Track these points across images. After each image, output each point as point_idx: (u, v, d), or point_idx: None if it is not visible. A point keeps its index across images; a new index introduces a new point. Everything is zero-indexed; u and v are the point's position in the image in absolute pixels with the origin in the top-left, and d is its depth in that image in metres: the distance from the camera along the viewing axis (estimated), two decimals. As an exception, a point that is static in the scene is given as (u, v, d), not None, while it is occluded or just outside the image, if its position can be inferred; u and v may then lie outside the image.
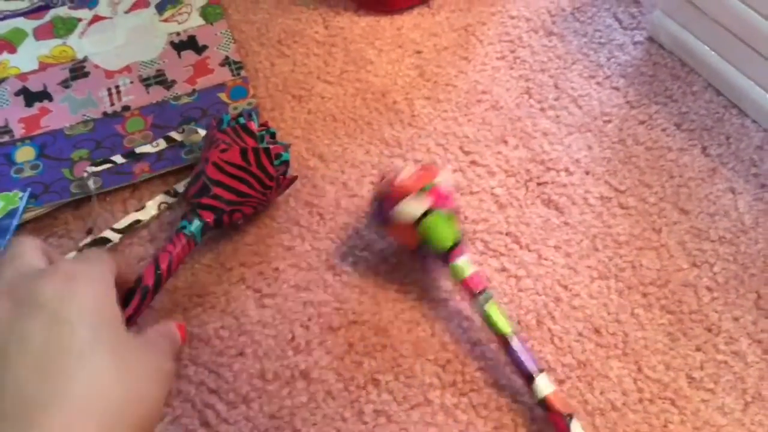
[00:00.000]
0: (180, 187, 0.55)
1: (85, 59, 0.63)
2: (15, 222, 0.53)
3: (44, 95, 0.61)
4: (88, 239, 0.52)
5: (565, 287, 0.50)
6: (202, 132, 0.56)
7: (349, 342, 0.48)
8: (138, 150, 0.56)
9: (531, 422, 0.45)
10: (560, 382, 0.46)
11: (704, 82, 0.60)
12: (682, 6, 0.59)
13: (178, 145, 0.57)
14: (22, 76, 0.62)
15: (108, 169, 0.56)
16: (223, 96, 0.60)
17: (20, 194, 0.54)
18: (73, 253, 0.52)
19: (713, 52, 0.58)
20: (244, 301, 0.50)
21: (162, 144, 0.57)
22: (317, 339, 0.48)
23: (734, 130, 0.57)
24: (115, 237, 0.53)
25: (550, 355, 0.48)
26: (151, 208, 0.54)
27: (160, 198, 0.54)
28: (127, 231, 0.53)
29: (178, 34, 0.65)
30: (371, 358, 0.48)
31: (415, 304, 0.50)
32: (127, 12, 0.66)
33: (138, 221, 0.53)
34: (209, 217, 0.49)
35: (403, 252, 0.52)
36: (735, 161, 0.55)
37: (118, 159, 0.56)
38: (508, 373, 0.47)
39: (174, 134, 0.57)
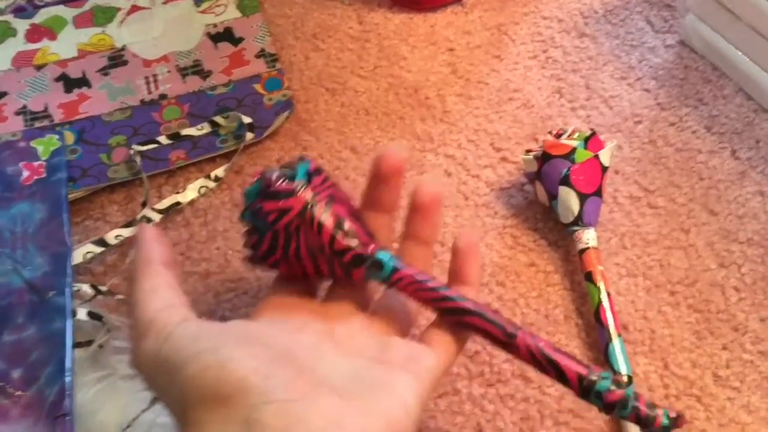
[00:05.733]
0: (220, 172, 0.56)
1: (123, 48, 0.64)
2: (63, 158, 0.55)
3: (83, 82, 0.62)
4: (144, 210, 0.54)
5: (593, 284, 0.51)
6: (247, 119, 0.57)
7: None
8: (183, 132, 0.58)
9: (558, 413, 0.45)
10: (587, 376, 0.47)
11: (735, 86, 0.60)
12: (715, 10, 0.59)
13: (214, 134, 0.58)
14: (62, 63, 0.63)
15: (152, 149, 0.57)
16: (258, 87, 0.61)
17: (55, 137, 0.56)
18: (116, 230, 0.53)
19: (745, 57, 0.59)
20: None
21: (206, 128, 0.58)
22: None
23: (764, 134, 0.57)
24: (156, 217, 0.54)
25: (577, 349, 0.48)
26: (191, 192, 0.55)
27: (200, 182, 0.56)
28: (167, 212, 0.54)
29: (215, 25, 0.66)
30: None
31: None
32: (165, 3, 0.68)
33: (178, 203, 0.54)
34: None
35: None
36: (765, 165, 0.56)
37: (163, 140, 0.57)
38: (535, 365, 0.47)
39: (219, 119, 0.58)
